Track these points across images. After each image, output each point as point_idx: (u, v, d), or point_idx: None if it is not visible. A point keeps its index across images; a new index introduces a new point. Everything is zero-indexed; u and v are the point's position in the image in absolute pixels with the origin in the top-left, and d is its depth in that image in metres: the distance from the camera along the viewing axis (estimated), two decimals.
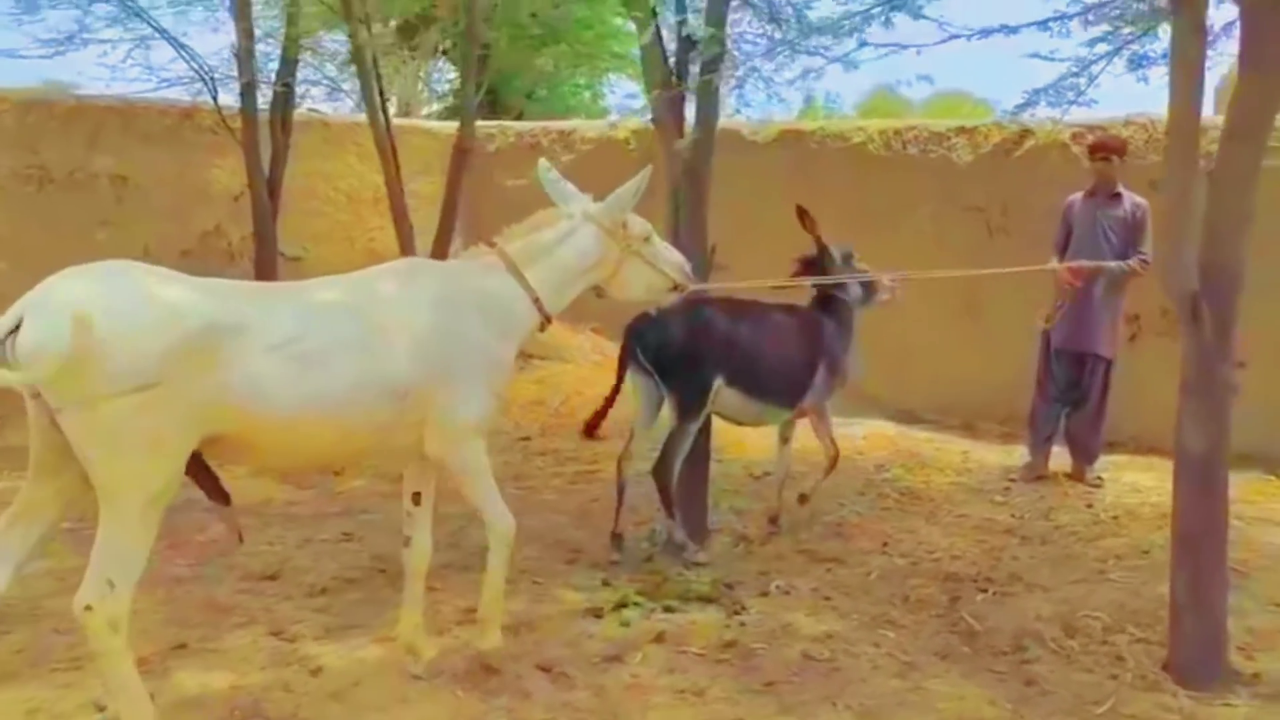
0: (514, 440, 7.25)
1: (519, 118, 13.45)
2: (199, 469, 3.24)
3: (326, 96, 8.60)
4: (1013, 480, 6.37)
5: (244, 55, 7.23)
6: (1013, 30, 3.62)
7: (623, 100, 16.93)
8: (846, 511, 5.70)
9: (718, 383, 4.88)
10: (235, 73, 7.43)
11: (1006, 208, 7.52)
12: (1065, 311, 6.24)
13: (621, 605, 4.34)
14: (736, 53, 5.16)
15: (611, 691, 3.61)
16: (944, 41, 3.76)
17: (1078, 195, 6.36)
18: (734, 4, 4.92)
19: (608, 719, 3.43)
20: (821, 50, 4.59)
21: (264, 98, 7.83)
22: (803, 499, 5.51)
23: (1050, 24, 3.58)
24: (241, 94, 7.45)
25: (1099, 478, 6.35)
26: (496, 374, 3.58)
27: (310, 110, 9.48)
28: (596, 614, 4.27)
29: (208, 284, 3.16)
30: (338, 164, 9.65)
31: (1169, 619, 3.88)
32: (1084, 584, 4.63)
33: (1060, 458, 6.57)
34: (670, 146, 5.01)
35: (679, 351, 4.85)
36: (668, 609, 4.31)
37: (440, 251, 6.19)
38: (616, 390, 5.04)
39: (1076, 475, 6.40)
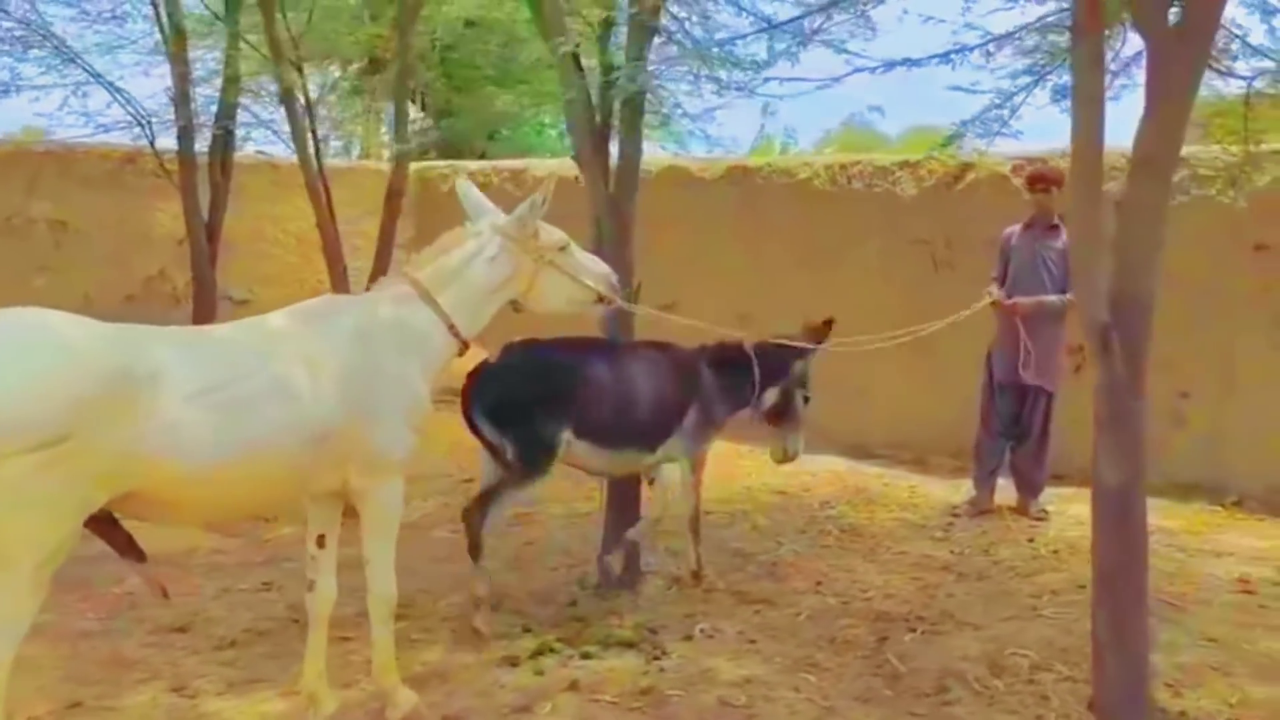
0: (457, 483, 7.13)
1: (481, 157, 13.46)
2: (108, 526, 3.10)
3: (271, 140, 8.51)
4: (956, 515, 6.30)
5: (180, 99, 7.17)
6: (915, 63, 3.58)
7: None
8: (784, 550, 5.61)
9: (565, 435, 4.50)
10: (173, 116, 7.37)
11: (950, 240, 7.51)
12: (1006, 344, 6.20)
13: (539, 653, 4.22)
14: (660, 88, 5.16)
15: None
16: (849, 74, 3.72)
17: (1016, 227, 6.35)
18: (658, 41, 4.91)
19: None
20: (739, 85, 4.53)
21: (206, 140, 7.78)
22: (696, 575, 5.05)
23: (951, 56, 3.55)
24: (179, 137, 7.38)
25: (1044, 511, 6.28)
26: (416, 410, 3.45)
27: (258, 153, 9.44)
28: (513, 662, 4.14)
29: (119, 330, 3.01)
30: (286, 206, 9.59)
31: (1092, 657, 3.80)
32: (1016, 621, 4.56)
33: (1007, 491, 6.51)
34: (594, 184, 4.97)
35: (518, 404, 4.48)
36: (585, 655, 4.19)
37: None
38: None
39: (1021, 509, 6.34)
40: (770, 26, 3.73)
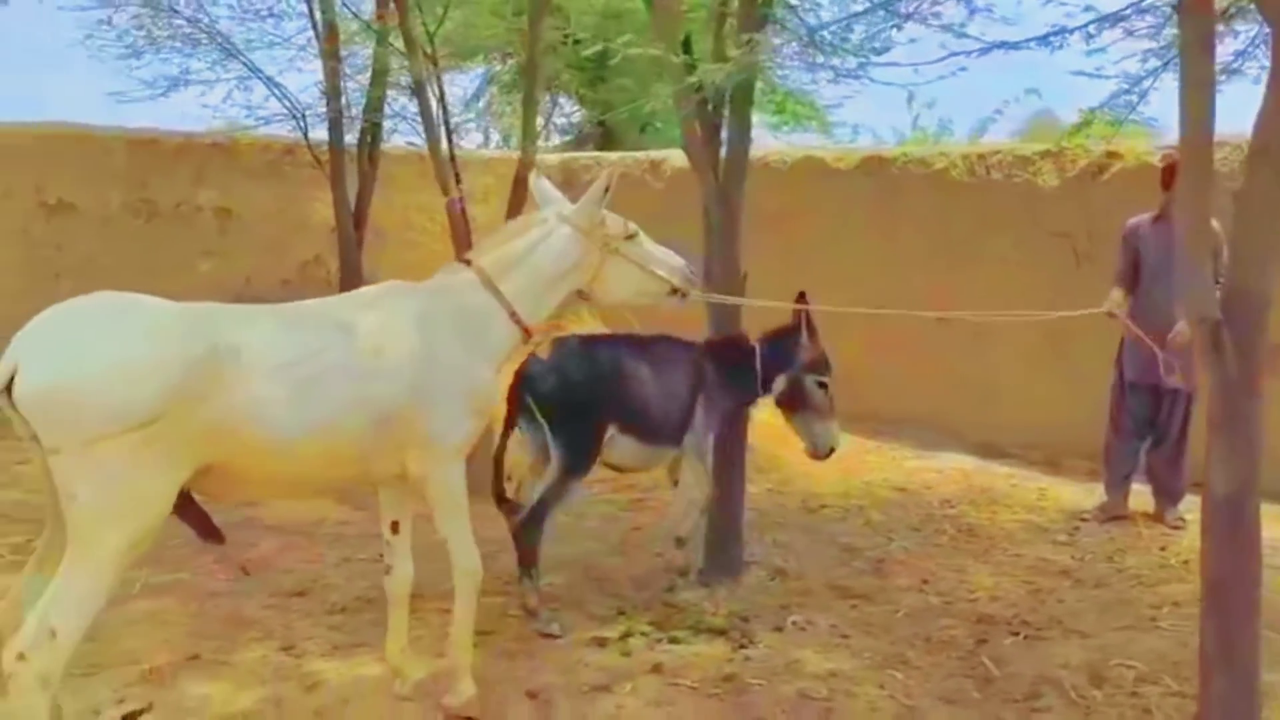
0: None
1: (633, 149, 13.61)
2: (187, 506, 3.14)
3: (414, 131, 8.80)
4: (1085, 520, 6.03)
5: (330, 92, 7.52)
6: (1013, 46, 3.45)
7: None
8: (894, 547, 5.50)
9: (611, 431, 4.51)
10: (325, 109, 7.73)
11: (1093, 233, 7.16)
12: (1139, 342, 5.89)
13: (627, 635, 4.29)
14: (775, 76, 5.13)
15: None
16: (943, 59, 3.61)
17: (1143, 218, 6.00)
18: (769, 29, 4.87)
19: None
20: (849, 73, 4.46)
21: (357, 133, 8.14)
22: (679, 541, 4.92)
23: (1051, 39, 3.40)
24: (329, 129, 7.75)
25: (1181, 519, 5.95)
26: (477, 395, 3.48)
27: (408, 144, 9.79)
28: (601, 643, 4.22)
29: (203, 309, 3.12)
30: (433, 195, 9.91)
31: (1199, 674, 3.60)
32: (1128, 631, 4.36)
33: (1145, 498, 6.20)
34: (704, 175, 4.98)
35: (573, 399, 4.48)
36: (673, 640, 4.24)
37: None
38: (503, 445, 4.67)
39: (1157, 516, 6.03)
40: (871, 8, 3.65)
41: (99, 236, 8.35)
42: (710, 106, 4.98)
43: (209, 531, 3.31)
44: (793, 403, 4.91)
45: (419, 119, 7.14)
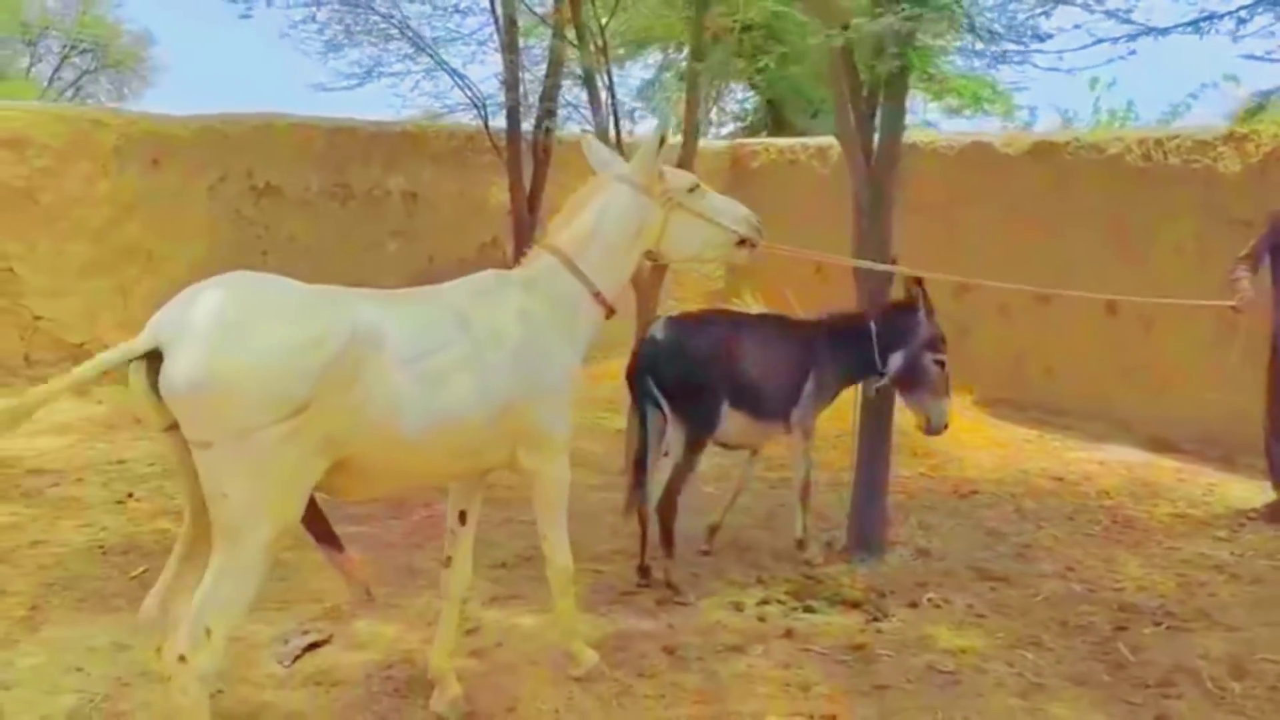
0: None
1: (801, 135, 13.66)
2: (311, 512, 3.08)
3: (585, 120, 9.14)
4: (1251, 518, 5.82)
5: (509, 82, 7.93)
6: (1162, 32, 3.42)
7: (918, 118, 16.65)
8: (1043, 534, 5.48)
9: (725, 408, 4.62)
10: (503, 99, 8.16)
11: None
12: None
13: (764, 603, 4.49)
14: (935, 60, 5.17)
15: (720, 677, 3.79)
16: (1089, 46, 3.62)
17: None
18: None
19: (709, 701, 3.61)
20: (1002, 57, 4.48)
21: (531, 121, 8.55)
22: (800, 543, 5.06)
23: (1200, 24, 3.36)
24: (507, 118, 8.17)
25: None
26: (575, 386, 3.47)
27: (583, 131, 10.17)
28: (738, 608, 4.43)
29: (339, 293, 3.04)
30: None
31: None
32: (1278, 627, 4.25)
33: None
34: (854, 159, 5.08)
35: (691, 376, 4.57)
36: (808, 609, 4.41)
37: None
38: (639, 430, 4.78)
39: None
40: None
41: (300, 217, 9.08)
42: (866, 91, 5.08)
43: (329, 538, 3.26)
44: (909, 380, 4.94)
45: (579, 107, 7.50)
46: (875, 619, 4.33)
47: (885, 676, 3.80)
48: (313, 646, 3.99)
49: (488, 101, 8.43)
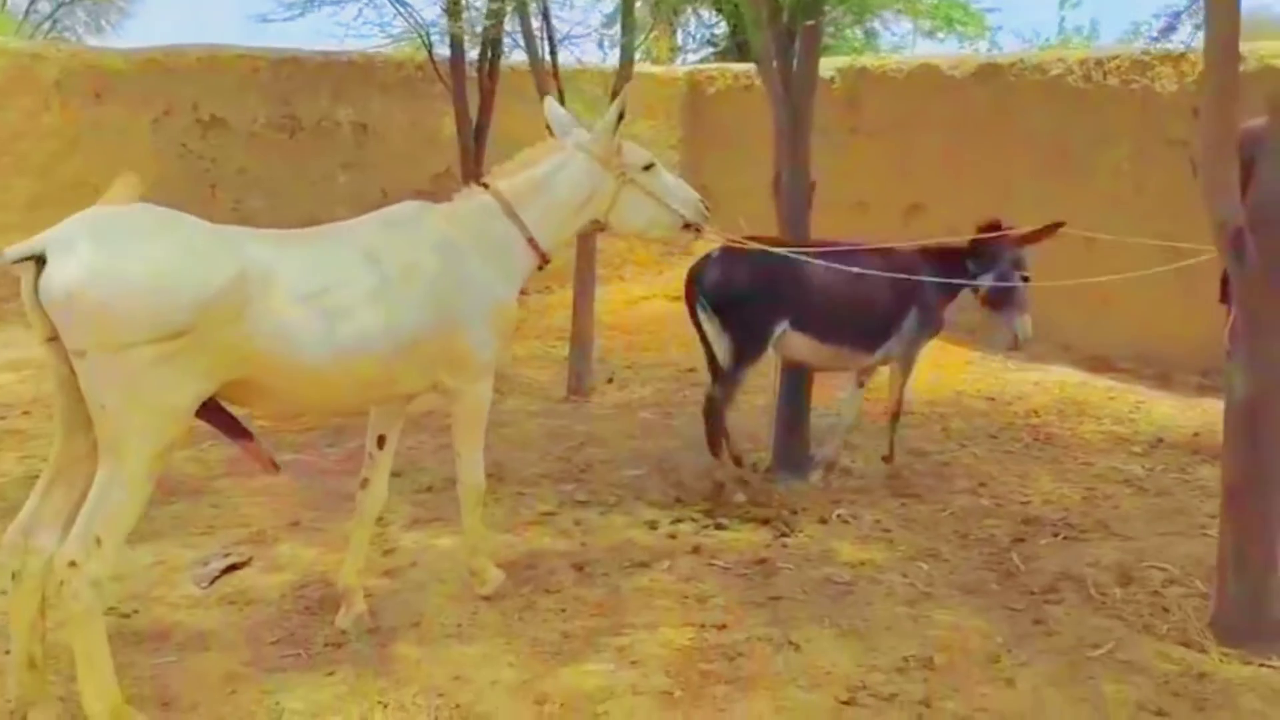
0: (681, 371, 7.58)
1: None
2: (212, 410, 3.14)
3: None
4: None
5: (450, 9, 7.87)
6: None
7: (898, 38, 16.46)
8: (964, 452, 5.62)
9: (781, 327, 4.77)
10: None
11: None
12: None
13: (679, 520, 4.63)
14: None
15: (622, 591, 3.92)
16: None
17: (1262, 120, 5.73)
18: None
19: (608, 613, 3.74)
20: None
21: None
22: (886, 459, 5.33)
23: None
24: (450, 46, 8.12)
25: None
26: (499, 315, 3.58)
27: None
28: (653, 526, 4.57)
29: (236, 233, 3.14)
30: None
31: (1216, 576, 3.68)
32: (1173, 536, 4.41)
33: None
34: (772, 85, 5.11)
35: (734, 294, 4.76)
36: (719, 527, 4.55)
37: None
38: (706, 345, 4.99)
39: None
40: None
41: (248, 150, 9.05)
42: (785, 16, 5.08)
43: (237, 430, 3.30)
44: (999, 298, 5.12)
45: (540, 37, 7.45)
46: (783, 535, 4.47)
47: (782, 588, 3.94)
48: (231, 569, 4.11)
49: (432, 30, 8.39)
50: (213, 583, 4.00)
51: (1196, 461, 5.48)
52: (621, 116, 3.66)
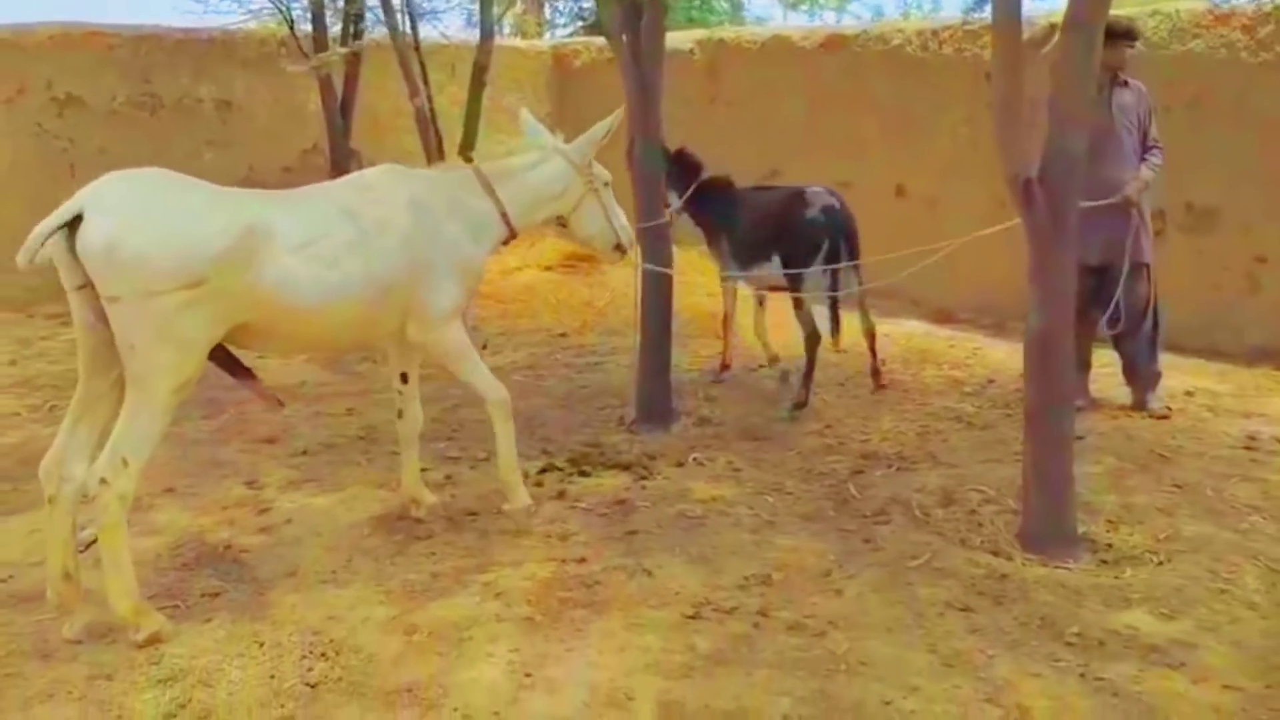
0: (553, 336, 7.83)
1: None
2: (220, 354, 3.61)
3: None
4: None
5: None
6: None
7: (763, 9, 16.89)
8: (815, 399, 5.99)
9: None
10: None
11: (1036, 103, 7.41)
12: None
13: (545, 470, 4.89)
14: None
15: (490, 534, 4.18)
16: None
17: None
18: None
19: (475, 554, 3.99)
20: None
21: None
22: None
23: None
24: (311, 21, 8.18)
25: (1167, 409, 5.65)
26: (465, 272, 4.08)
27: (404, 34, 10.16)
28: (525, 475, 4.81)
29: (239, 193, 3.66)
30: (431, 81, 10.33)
31: (1021, 493, 4.11)
32: (992, 464, 4.84)
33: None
34: (622, 56, 5.37)
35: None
36: (583, 474, 4.83)
37: (465, 155, 6.76)
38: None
39: (1137, 406, 5.77)
40: None
41: (107, 129, 8.92)
42: None
43: (243, 372, 3.78)
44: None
45: (400, 12, 7.59)
46: (643, 478, 4.77)
47: (638, 524, 4.25)
48: None
49: (292, 5, 8.42)
50: (88, 548, 4.10)
51: (1020, 399, 5.93)
52: (608, 132, 4.34)
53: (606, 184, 4.48)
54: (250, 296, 3.42)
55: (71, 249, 3.17)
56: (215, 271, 3.28)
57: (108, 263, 3.14)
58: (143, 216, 3.20)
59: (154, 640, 3.31)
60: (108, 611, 3.37)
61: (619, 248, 4.60)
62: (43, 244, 3.16)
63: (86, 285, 3.21)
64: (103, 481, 3.25)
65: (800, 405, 5.75)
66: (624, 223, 4.58)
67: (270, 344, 3.84)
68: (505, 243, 4.36)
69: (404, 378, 4.32)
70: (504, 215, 4.19)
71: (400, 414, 4.34)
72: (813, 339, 5.84)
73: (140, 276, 3.16)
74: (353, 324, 3.83)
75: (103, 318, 3.24)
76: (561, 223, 4.54)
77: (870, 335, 6.27)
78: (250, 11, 8.51)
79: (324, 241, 3.64)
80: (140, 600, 3.38)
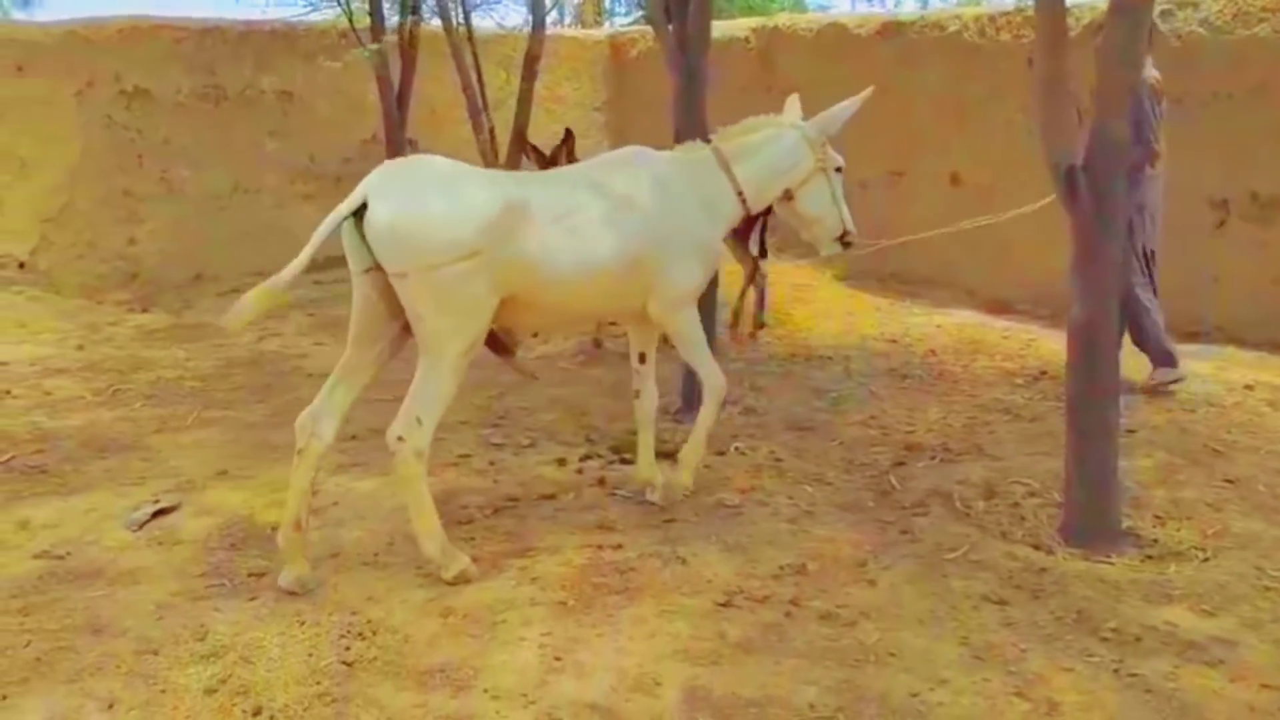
0: (601, 324, 7.85)
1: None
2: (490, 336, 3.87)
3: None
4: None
5: None
6: None
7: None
8: (861, 389, 5.96)
9: None
10: None
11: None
12: None
13: (587, 458, 4.94)
14: None
15: (530, 520, 4.24)
16: None
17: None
18: None
19: (515, 539, 4.05)
20: None
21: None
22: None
23: None
24: (369, 12, 8.29)
25: (1164, 384, 5.74)
26: (705, 252, 4.18)
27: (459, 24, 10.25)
28: (562, 463, 4.88)
29: (495, 173, 4.04)
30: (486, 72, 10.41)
31: (1064, 485, 4.06)
32: (1039, 456, 4.78)
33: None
34: (668, 45, 5.37)
35: None
36: (624, 461, 4.86)
37: (516, 145, 6.81)
38: None
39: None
40: None
41: (173, 120, 9.14)
42: None
43: (504, 347, 4.11)
44: None
45: (454, 2, 7.67)
46: None
47: (676, 512, 4.27)
48: (160, 513, 4.35)
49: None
50: (143, 527, 4.25)
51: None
52: (852, 110, 4.38)
53: (839, 169, 4.43)
54: (518, 265, 3.65)
55: (359, 234, 3.51)
56: (486, 243, 3.54)
57: (392, 242, 3.47)
58: (418, 198, 3.52)
59: (462, 579, 3.65)
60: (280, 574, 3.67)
61: (844, 238, 4.48)
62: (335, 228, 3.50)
63: (373, 268, 3.54)
64: (400, 439, 3.60)
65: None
66: (848, 214, 4.47)
67: (526, 317, 4.03)
68: (740, 222, 4.38)
69: (642, 358, 4.43)
70: (740, 195, 4.24)
71: (637, 394, 4.44)
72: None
73: (421, 251, 3.46)
74: (603, 295, 4.01)
75: (384, 296, 3.57)
76: (788, 196, 4.39)
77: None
78: (311, 4, 8.65)
79: (578, 215, 3.83)
80: (446, 542, 3.70)
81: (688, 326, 4.20)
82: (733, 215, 4.29)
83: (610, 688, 3.01)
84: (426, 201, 3.53)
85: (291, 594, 3.60)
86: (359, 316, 3.67)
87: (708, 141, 4.31)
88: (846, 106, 4.36)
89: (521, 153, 5.61)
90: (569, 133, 6.45)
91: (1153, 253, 5.80)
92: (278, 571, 3.79)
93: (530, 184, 3.91)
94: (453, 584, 3.62)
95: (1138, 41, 3.71)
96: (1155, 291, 5.79)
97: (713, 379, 4.27)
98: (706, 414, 4.32)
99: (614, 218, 3.90)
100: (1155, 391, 5.71)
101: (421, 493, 3.69)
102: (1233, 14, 6.73)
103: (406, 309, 3.55)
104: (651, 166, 4.12)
